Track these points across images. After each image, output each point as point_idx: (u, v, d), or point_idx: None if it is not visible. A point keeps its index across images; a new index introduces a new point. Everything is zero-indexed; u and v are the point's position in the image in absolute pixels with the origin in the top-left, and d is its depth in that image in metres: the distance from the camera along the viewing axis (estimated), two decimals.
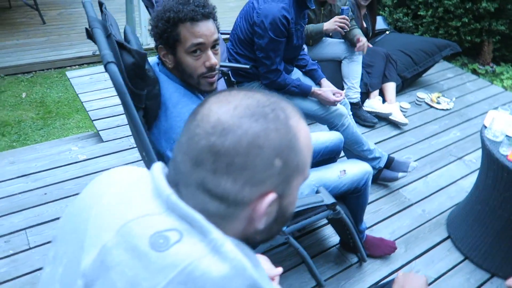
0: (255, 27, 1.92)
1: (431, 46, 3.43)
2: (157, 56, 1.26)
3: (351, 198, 1.74)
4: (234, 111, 0.55)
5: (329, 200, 1.45)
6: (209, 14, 1.19)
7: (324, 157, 1.81)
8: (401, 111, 3.08)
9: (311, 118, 2.21)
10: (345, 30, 2.52)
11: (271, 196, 0.57)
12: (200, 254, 0.52)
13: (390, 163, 2.39)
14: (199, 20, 1.15)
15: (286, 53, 2.05)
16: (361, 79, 3.00)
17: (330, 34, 3.39)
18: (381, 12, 4.39)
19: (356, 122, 2.99)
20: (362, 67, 3.06)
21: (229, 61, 2.12)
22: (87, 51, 4.13)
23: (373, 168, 2.36)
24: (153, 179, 0.60)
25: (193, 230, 0.54)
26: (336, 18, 2.50)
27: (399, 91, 3.39)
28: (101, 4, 1.27)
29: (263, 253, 1.65)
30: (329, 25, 2.53)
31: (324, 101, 2.11)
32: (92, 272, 0.54)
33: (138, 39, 1.37)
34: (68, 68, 3.96)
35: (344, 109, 2.18)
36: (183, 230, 0.54)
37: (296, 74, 2.31)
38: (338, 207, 1.54)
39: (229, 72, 2.19)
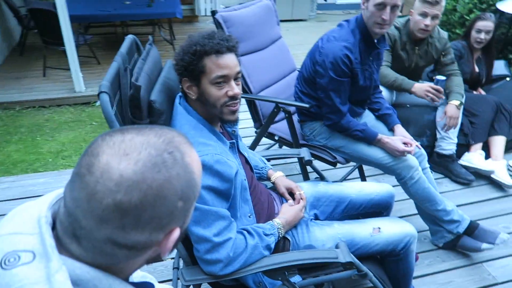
0: (317, 66, 1.88)
1: None
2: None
3: (389, 262, 1.53)
4: (135, 166, 0.55)
5: (345, 258, 1.30)
6: (233, 48, 1.23)
7: (367, 211, 1.64)
8: (509, 170, 2.60)
9: (375, 166, 2.03)
10: (435, 103, 2.33)
11: (176, 233, 0.61)
12: (35, 280, 0.54)
13: (473, 230, 2.02)
14: (223, 53, 1.20)
15: (353, 94, 1.95)
16: (461, 129, 2.65)
17: (433, 78, 3.12)
18: (510, 56, 3.83)
19: (447, 176, 2.67)
20: (465, 115, 2.72)
21: (294, 99, 2.11)
22: None
23: (450, 232, 2.05)
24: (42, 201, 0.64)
25: (45, 255, 0.56)
26: (428, 86, 2.29)
27: None
28: (149, 39, 1.42)
29: None
30: (419, 89, 2.33)
31: (392, 151, 1.92)
32: None
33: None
34: None
35: (414, 161, 1.94)
36: (39, 253, 0.56)
37: (368, 117, 2.16)
38: (364, 268, 1.37)
39: (296, 110, 2.18)
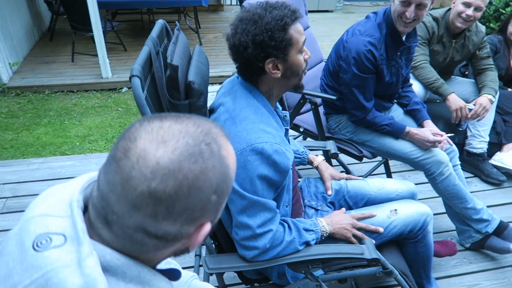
0: (341, 60, 1.83)
1: None
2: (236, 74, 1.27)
3: (408, 246, 1.51)
4: (172, 154, 0.54)
5: (371, 254, 1.27)
6: None
7: None
8: None
9: (403, 161, 1.98)
10: (457, 124, 2.28)
11: (207, 227, 0.60)
12: (66, 263, 0.53)
13: (502, 230, 1.95)
14: (298, 18, 1.17)
15: (378, 90, 1.89)
16: (493, 127, 2.55)
17: (466, 73, 3.01)
18: None
19: (476, 176, 2.59)
20: (498, 113, 2.62)
21: (320, 91, 2.07)
22: (229, 72, 4.54)
23: (478, 232, 1.98)
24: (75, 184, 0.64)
25: (76, 239, 0.56)
26: (464, 105, 2.21)
27: None
28: (176, 25, 1.41)
29: None
30: (454, 101, 2.23)
31: (421, 143, 1.86)
32: None
33: (205, 57, 1.47)
34: (209, 85, 4.41)
35: (444, 156, 1.88)
36: (70, 237, 0.56)
37: (396, 111, 2.10)
38: (390, 266, 1.34)
39: (321, 103, 2.14)
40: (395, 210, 1.44)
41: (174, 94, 1.14)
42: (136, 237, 0.56)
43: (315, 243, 1.30)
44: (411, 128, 1.89)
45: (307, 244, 1.27)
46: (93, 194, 0.59)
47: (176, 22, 1.47)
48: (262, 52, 1.13)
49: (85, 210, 0.62)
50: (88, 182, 0.65)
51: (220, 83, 4.35)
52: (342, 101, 1.96)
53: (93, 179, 0.66)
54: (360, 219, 1.42)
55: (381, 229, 1.40)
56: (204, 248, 1.89)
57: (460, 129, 2.31)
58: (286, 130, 1.32)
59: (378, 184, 1.59)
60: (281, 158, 1.14)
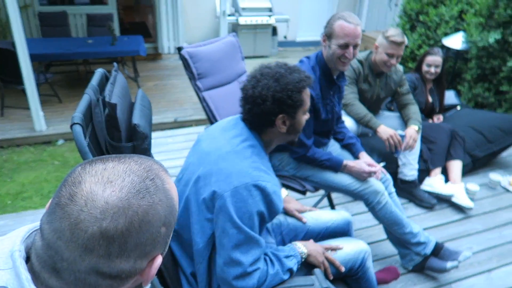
0: None
1: (510, 124, 3.07)
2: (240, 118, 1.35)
3: (351, 282, 1.56)
4: (120, 192, 0.56)
5: (322, 284, 1.30)
6: None
7: (324, 239, 1.65)
8: (468, 193, 2.73)
9: (343, 193, 2.08)
10: (393, 152, 2.42)
11: (159, 260, 0.62)
12: None
13: (439, 251, 2.09)
14: (311, 84, 1.33)
15: (317, 127, 2.01)
16: (421, 156, 2.78)
17: (392, 108, 3.29)
18: (459, 87, 4.12)
19: (411, 201, 2.76)
20: (423, 143, 2.86)
21: None
22: (170, 118, 4.55)
23: (418, 254, 2.10)
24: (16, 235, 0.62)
25: None
26: (394, 133, 2.37)
27: (470, 171, 3.05)
28: (113, 66, 1.44)
29: None
30: (384, 132, 2.40)
31: (358, 174, 1.98)
32: None
33: (148, 101, 1.49)
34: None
35: (380, 186, 2.02)
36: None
37: (333, 146, 2.23)
38: None
39: None
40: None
41: (114, 133, 1.15)
42: (89, 280, 0.56)
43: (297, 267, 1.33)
44: (348, 161, 2.01)
45: (290, 271, 1.30)
46: (37, 245, 0.58)
47: (114, 63, 1.49)
48: (277, 108, 1.27)
49: (27, 260, 0.60)
50: (28, 232, 0.64)
51: (161, 130, 4.33)
52: None
53: (34, 229, 0.65)
54: (327, 249, 1.47)
55: (343, 268, 1.45)
56: None
57: (395, 156, 2.47)
58: None
59: (314, 216, 1.67)
60: (277, 200, 1.22)
